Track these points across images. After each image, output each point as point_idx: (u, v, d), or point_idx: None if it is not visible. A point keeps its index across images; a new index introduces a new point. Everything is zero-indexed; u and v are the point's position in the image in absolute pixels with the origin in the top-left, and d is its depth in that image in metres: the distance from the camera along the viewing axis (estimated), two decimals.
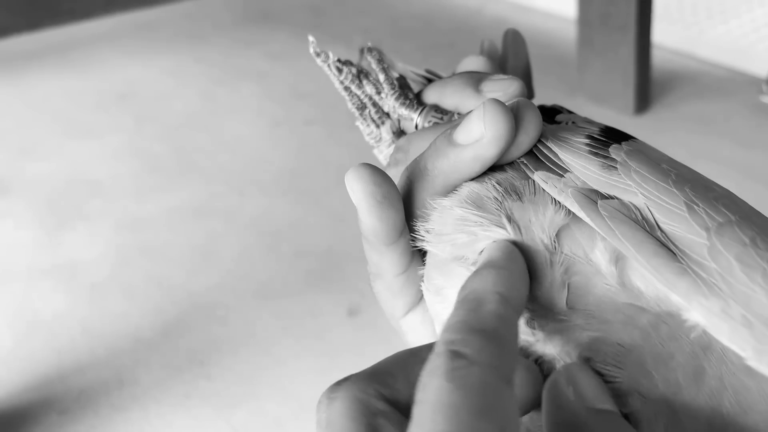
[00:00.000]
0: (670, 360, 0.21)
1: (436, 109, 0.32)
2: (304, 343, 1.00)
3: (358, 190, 0.26)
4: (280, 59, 1.91)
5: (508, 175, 0.26)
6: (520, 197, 0.25)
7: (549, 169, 0.26)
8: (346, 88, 0.33)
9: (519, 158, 0.26)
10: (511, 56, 0.36)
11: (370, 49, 0.33)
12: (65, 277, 1.15)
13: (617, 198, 0.23)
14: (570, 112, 0.32)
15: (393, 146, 0.33)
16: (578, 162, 0.25)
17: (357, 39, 1.99)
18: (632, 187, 0.23)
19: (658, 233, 0.22)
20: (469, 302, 0.21)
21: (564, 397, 0.21)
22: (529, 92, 0.36)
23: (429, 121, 0.31)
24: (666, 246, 0.22)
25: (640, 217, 0.23)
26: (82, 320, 1.06)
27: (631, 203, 0.23)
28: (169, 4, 2.31)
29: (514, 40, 0.36)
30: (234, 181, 1.39)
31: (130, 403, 0.93)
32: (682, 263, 0.21)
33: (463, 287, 0.22)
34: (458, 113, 0.31)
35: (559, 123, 0.30)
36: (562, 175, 0.25)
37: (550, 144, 0.27)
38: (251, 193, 1.35)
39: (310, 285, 1.10)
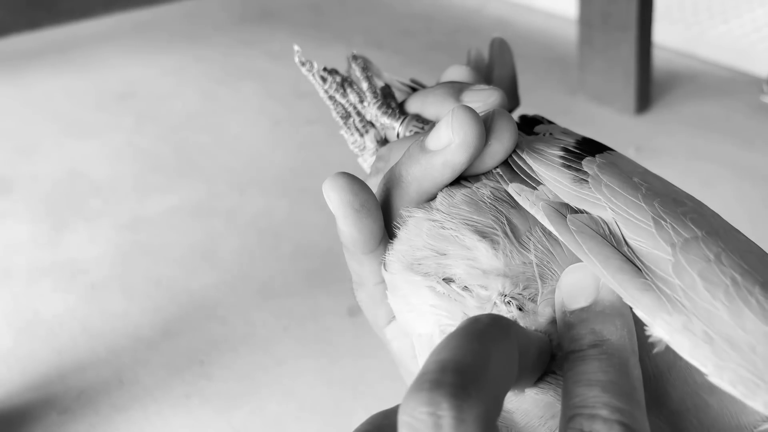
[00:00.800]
0: None
1: (418, 118, 0.32)
2: (304, 343, 1.00)
3: (335, 198, 0.26)
4: (281, 59, 1.91)
5: (483, 185, 0.26)
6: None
7: (523, 181, 0.26)
8: (331, 97, 0.34)
9: (495, 168, 0.27)
10: (497, 65, 0.36)
11: (355, 57, 0.34)
12: (65, 276, 1.15)
13: (586, 212, 0.24)
14: (550, 123, 0.32)
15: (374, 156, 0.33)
16: (551, 175, 0.25)
17: (357, 39, 1.99)
18: (601, 201, 0.24)
19: (625, 248, 0.22)
20: (613, 360, 0.20)
21: None
22: (514, 101, 0.37)
23: (410, 131, 0.32)
24: (632, 262, 0.22)
25: (607, 232, 0.23)
26: (82, 320, 1.06)
27: (599, 218, 0.23)
28: (169, 3, 2.31)
29: (500, 48, 0.37)
30: (234, 181, 1.39)
31: (130, 403, 0.93)
32: (646, 279, 0.21)
33: (592, 331, 0.21)
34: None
35: (537, 134, 0.30)
36: (535, 188, 0.25)
37: (524, 155, 0.27)
38: (251, 192, 1.35)
39: (310, 285, 1.10)
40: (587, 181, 0.25)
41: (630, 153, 1.38)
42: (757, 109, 1.52)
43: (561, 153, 0.27)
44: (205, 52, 1.97)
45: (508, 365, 0.19)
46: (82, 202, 1.35)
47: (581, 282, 0.22)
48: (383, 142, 0.33)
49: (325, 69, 0.34)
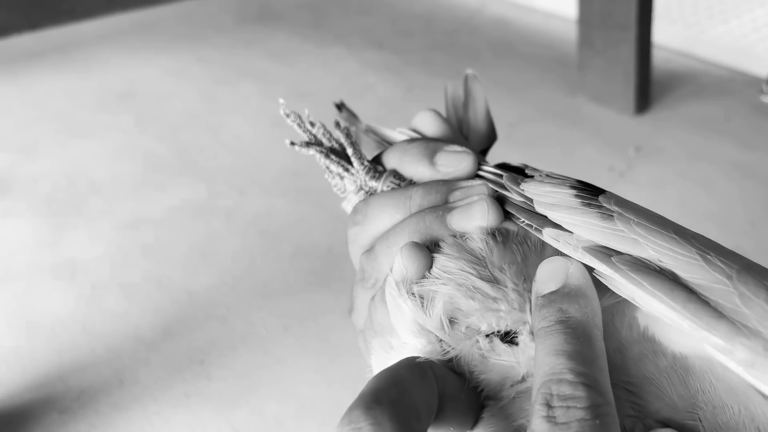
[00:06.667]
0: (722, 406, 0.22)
1: (395, 174, 0.33)
2: (304, 343, 1.00)
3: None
4: (281, 59, 1.91)
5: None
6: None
7: (554, 225, 0.26)
8: (317, 143, 0.35)
9: (520, 220, 0.28)
10: (470, 100, 0.38)
11: (338, 124, 0.35)
12: (65, 276, 1.15)
13: (629, 254, 0.24)
14: (536, 169, 0.32)
15: (358, 195, 0.34)
16: (577, 217, 0.26)
17: (357, 39, 1.99)
18: (640, 240, 0.24)
19: (682, 282, 0.23)
20: (577, 332, 0.23)
21: None
22: (491, 136, 0.38)
23: (387, 186, 0.33)
24: (695, 293, 0.22)
25: (658, 269, 0.23)
26: (82, 320, 1.06)
27: (642, 257, 0.24)
28: (169, 3, 2.31)
29: (471, 84, 0.38)
30: (234, 181, 1.39)
31: (130, 402, 0.93)
32: (716, 309, 0.22)
33: (559, 309, 0.23)
34: (415, 182, 0.33)
35: (531, 176, 0.30)
36: (569, 231, 0.26)
37: (540, 204, 0.27)
38: (251, 192, 1.35)
39: (310, 285, 1.10)
40: (612, 216, 0.25)
41: (630, 153, 1.39)
42: (756, 109, 1.52)
43: (574, 192, 0.27)
44: (205, 52, 1.97)
45: (419, 388, 0.23)
46: (83, 202, 1.35)
47: (552, 270, 0.24)
48: (363, 185, 0.34)
49: (311, 123, 0.35)
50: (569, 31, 1.86)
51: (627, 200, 0.27)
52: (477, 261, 0.26)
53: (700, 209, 1.21)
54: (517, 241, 0.27)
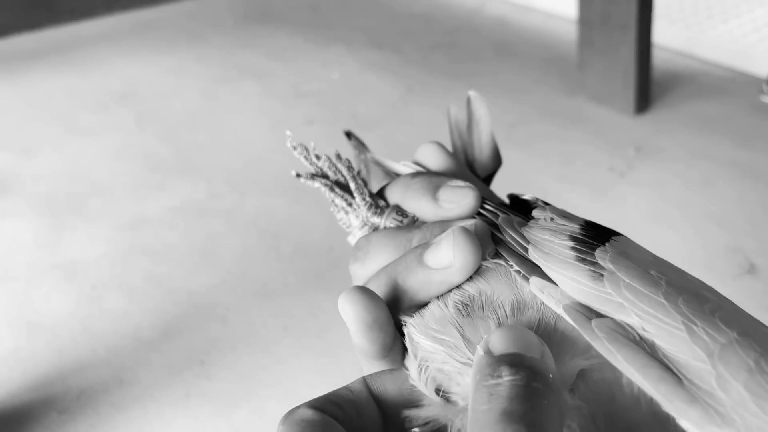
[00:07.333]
0: None
1: (398, 210, 0.33)
2: (304, 343, 1.00)
3: (350, 314, 0.27)
4: (281, 59, 1.91)
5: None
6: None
7: (543, 275, 0.26)
8: (323, 176, 0.35)
9: (512, 266, 0.27)
10: (474, 123, 0.38)
11: (339, 157, 0.35)
12: (65, 276, 1.15)
13: (611, 318, 0.23)
14: (546, 204, 0.31)
15: (362, 231, 0.34)
16: (567, 273, 0.25)
17: (357, 39, 1.99)
18: (625, 305, 0.23)
19: (660, 355, 0.22)
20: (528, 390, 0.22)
21: None
22: (497, 159, 0.37)
23: (391, 222, 0.33)
24: (671, 369, 0.21)
25: (638, 338, 0.22)
26: (82, 320, 1.06)
27: (624, 323, 0.23)
28: (169, 3, 2.31)
29: (474, 105, 0.38)
30: (234, 181, 1.39)
31: (130, 403, 0.93)
32: (689, 390, 0.21)
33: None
34: (417, 218, 0.32)
35: (537, 219, 0.29)
36: (557, 285, 0.25)
37: (536, 250, 0.26)
38: (251, 193, 1.35)
39: (310, 285, 1.10)
40: (603, 276, 0.24)
41: (630, 153, 1.39)
42: (756, 109, 1.52)
43: (572, 244, 0.26)
44: (205, 52, 1.97)
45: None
46: (83, 202, 1.35)
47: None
48: (366, 220, 0.34)
49: (317, 156, 0.35)
50: (569, 31, 1.86)
51: (627, 251, 0.26)
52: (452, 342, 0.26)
53: (700, 209, 1.21)
54: (492, 308, 0.26)
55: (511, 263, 0.27)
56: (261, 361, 0.98)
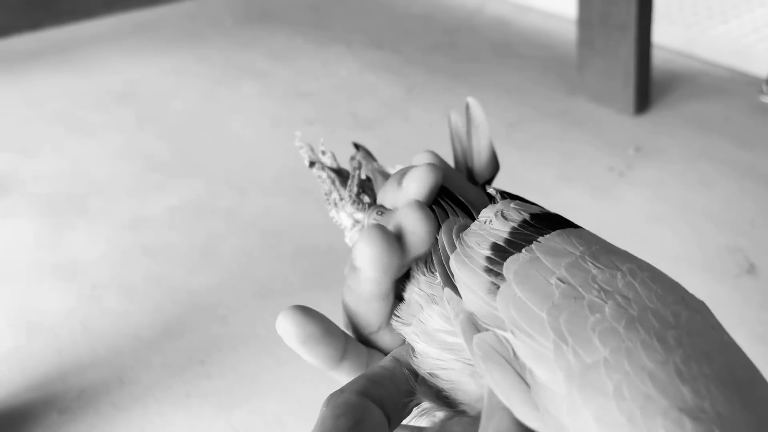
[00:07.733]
0: None
1: (379, 208, 0.33)
2: None
3: (284, 334, 0.28)
4: (280, 59, 1.91)
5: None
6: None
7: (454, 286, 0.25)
8: (325, 176, 0.35)
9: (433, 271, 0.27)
10: (473, 128, 0.37)
11: (353, 158, 0.36)
12: (66, 276, 1.16)
13: (494, 332, 0.22)
14: (507, 196, 0.30)
15: (353, 231, 0.35)
16: (471, 284, 0.24)
17: (357, 39, 1.99)
18: (506, 322, 0.22)
19: (528, 376, 0.20)
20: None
21: None
22: (493, 166, 0.37)
23: (371, 221, 0.32)
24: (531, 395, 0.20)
25: (512, 355, 0.21)
26: (82, 320, 1.06)
27: (504, 338, 0.22)
28: (169, 3, 2.31)
29: (473, 111, 0.38)
30: (234, 181, 1.39)
31: (130, 402, 0.93)
32: (542, 419, 0.19)
33: None
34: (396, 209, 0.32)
35: (479, 221, 0.28)
36: (460, 297, 0.24)
37: (457, 258, 0.25)
38: (251, 192, 1.35)
39: (310, 285, 1.11)
40: (498, 288, 0.23)
41: (629, 153, 1.39)
42: (756, 109, 1.52)
43: (488, 253, 0.25)
44: (206, 53, 1.97)
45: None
46: (83, 202, 1.35)
47: None
48: (350, 215, 0.35)
49: (322, 151, 0.36)
50: (569, 31, 1.86)
51: (553, 251, 0.24)
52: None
53: (700, 209, 1.21)
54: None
55: (435, 270, 0.26)
56: (261, 360, 0.98)
